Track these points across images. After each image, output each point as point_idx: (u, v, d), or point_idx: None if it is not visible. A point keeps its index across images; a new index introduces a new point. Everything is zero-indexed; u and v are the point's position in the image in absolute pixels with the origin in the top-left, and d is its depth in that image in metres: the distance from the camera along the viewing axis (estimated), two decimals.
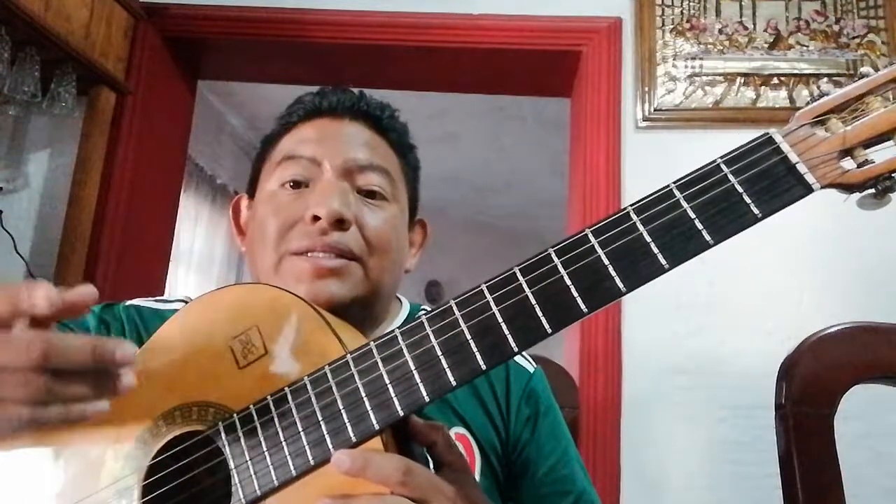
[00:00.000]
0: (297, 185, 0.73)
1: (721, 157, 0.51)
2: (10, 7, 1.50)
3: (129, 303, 0.78)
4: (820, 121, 0.51)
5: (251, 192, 0.81)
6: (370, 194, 0.74)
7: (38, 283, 0.47)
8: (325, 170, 0.72)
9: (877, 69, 0.52)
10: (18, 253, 1.80)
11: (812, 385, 0.75)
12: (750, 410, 1.49)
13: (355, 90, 0.81)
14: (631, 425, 1.63)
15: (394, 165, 0.78)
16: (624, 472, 1.61)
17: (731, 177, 0.50)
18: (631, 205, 0.51)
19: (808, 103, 0.52)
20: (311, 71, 2.11)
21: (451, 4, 1.91)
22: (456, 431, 0.72)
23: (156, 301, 0.79)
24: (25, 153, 1.92)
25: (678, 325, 1.66)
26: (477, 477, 0.72)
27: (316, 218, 0.69)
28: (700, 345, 1.65)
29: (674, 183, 0.51)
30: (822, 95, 0.52)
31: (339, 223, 0.69)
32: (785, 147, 0.50)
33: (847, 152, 0.50)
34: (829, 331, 0.78)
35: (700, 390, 1.62)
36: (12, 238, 1.80)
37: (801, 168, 0.49)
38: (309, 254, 0.69)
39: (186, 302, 0.79)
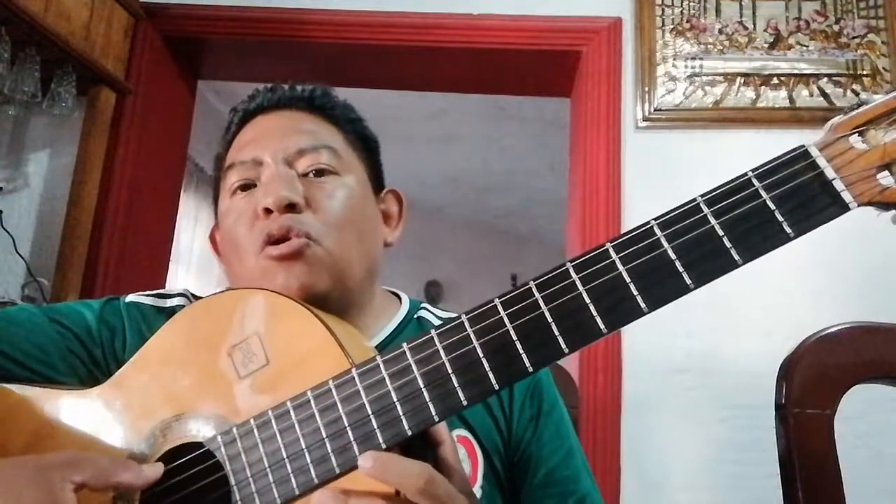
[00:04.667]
0: (245, 187, 0.73)
1: (752, 171, 0.48)
2: (10, 7, 1.50)
3: (129, 299, 0.76)
4: (858, 132, 0.48)
5: (218, 218, 0.80)
6: (318, 173, 0.73)
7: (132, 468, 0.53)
8: (266, 164, 0.72)
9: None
10: (18, 253, 1.80)
11: (812, 385, 0.75)
12: (750, 410, 1.48)
13: (285, 85, 0.80)
14: (631, 425, 1.63)
15: (336, 140, 0.77)
16: (624, 472, 1.61)
17: (762, 192, 0.47)
18: (655, 219, 0.49)
19: (844, 111, 0.49)
20: (311, 71, 2.11)
21: (451, 4, 1.91)
22: (458, 434, 0.71)
23: (156, 297, 0.77)
24: (25, 153, 1.92)
25: (678, 326, 1.66)
26: (480, 480, 0.71)
27: (267, 210, 0.68)
28: (700, 345, 1.65)
29: (701, 197, 0.48)
30: (860, 105, 0.49)
31: (290, 207, 0.68)
32: (822, 162, 0.47)
33: (886, 167, 0.47)
34: (829, 331, 0.78)
35: (700, 390, 1.63)
36: (12, 238, 1.80)
37: (839, 185, 0.46)
38: (267, 243, 0.68)
39: (186, 295, 0.77)
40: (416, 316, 0.80)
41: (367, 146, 0.81)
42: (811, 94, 1.75)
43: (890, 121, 0.47)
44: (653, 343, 1.66)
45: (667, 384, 1.64)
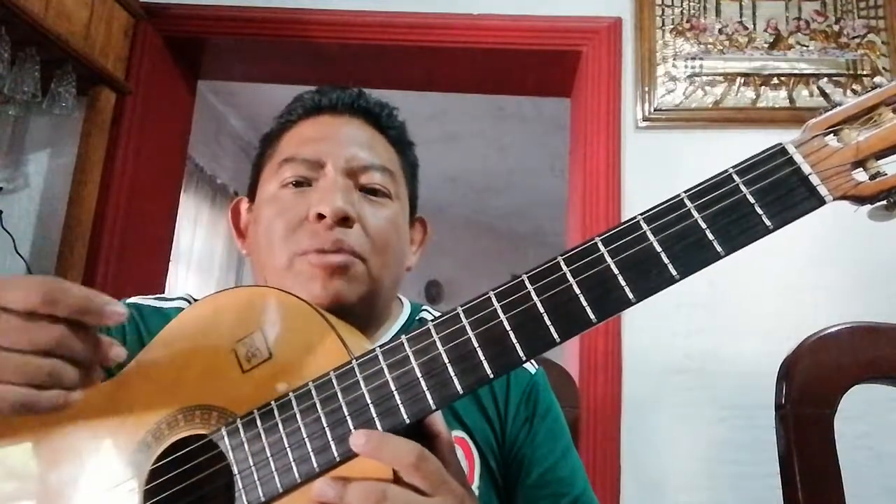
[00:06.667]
0: (299, 184, 0.73)
1: (733, 167, 0.50)
2: (10, 7, 1.50)
3: (129, 301, 0.77)
4: (832, 131, 0.50)
5: (251, 194, 0.80)
6: (372, 192, 0.74)
7: (71, 285, 0.49)
8: (327, 169, 0.72)
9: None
10: (18, 253, 1.80)
11: (812, 385, 0.75)
12: (750, 410, 1.49)
13: (354, 88, 0.80)
14: (631, 425, 1.63)
15: (394, 163, 0.78)
16: (624, 472, 1.61)
17: (742, 187, 0.49)
18: (641, 214, 0.51)
19: (820, 112, 0.52)
20: (311, 71, 2.11)
21: (451, 4, 1.91)
22: (455, 435, 0.71)
23: (156, 299, 0.78)
24: (25, 153, 1.91)
25: (678, 325, 1.66)
26: (476, 480, 0.72)
27: (320, 216, 0.69)
28: (700, 345, 1.65)
29: (685, 192, 0.50)
30: (834, 106, 0.51)
31: (344, 220, 0.69)
32: (798, 158, 0.49)
33: (859, 164, 0.49)
34: (829, 331, 0.78)
35: (700, 390, 1.62)
36: (12, 238, 1.80)
37: (815, 179, 0.48)
38: (317, 252, 0.69)
39: (187, 300, 0.78)
40: (417, 318, 0.82)
41: (413, 173, 0.83)
42: (811, 94, 1.75)
43: (863, 120, 0.50)
44: (653, 343, 1.66)
45: (667, 384, 1.64)
